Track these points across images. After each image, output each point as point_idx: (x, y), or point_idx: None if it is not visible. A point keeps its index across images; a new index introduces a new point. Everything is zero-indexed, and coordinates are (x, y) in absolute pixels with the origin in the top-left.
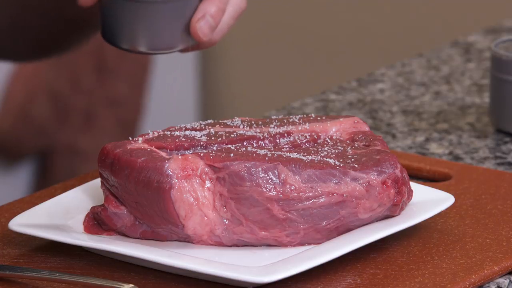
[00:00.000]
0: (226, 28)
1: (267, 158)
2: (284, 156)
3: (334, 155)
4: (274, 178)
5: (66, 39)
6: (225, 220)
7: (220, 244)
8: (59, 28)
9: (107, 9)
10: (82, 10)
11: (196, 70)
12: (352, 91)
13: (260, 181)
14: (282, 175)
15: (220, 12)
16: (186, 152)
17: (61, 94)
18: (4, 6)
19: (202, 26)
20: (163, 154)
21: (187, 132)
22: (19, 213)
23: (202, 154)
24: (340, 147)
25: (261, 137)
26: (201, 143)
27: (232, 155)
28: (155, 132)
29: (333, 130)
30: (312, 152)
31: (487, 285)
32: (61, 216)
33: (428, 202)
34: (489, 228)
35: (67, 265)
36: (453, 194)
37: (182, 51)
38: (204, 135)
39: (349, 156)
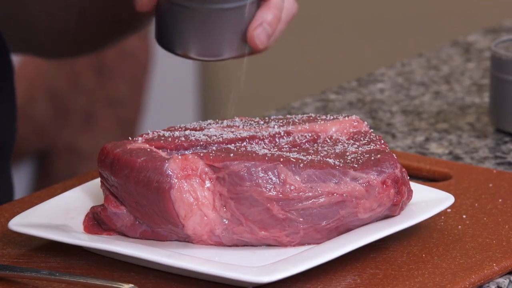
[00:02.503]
0: (279, 33)
1: (267, 158)
2: (284, 156)
3: (334, 155)
4: (274, 178)
5: (108, 39)
6: (225, 220)
7: (220, 244)
8: (104, 29)
9: (164, 14)
10: (136, 13)
11: (196, 70)
12: (352, 91)
13: (260, 181)
14: (282, 175)
15: (276, 20)
16: (186, 152)
17: (61, 94)
18: (44, 4)
19: (259, 34)
20: (163, 154)
21: (187, 132)
22: (19, 213)
23: (202, 154)
24: (340, 147)
25: (261, 137)
26: (201, 143)
27: (232, 155)
28: (155, 132)
29: (333, 130)
30: (312, 152)
31: (487, 285)
32: (61, 216)
33: (428, 202)
34: (489, 228)
35: (67, 265)
36: (453, 194)
37: (236, 57)
38: (204, 135)
39: (349, 156)
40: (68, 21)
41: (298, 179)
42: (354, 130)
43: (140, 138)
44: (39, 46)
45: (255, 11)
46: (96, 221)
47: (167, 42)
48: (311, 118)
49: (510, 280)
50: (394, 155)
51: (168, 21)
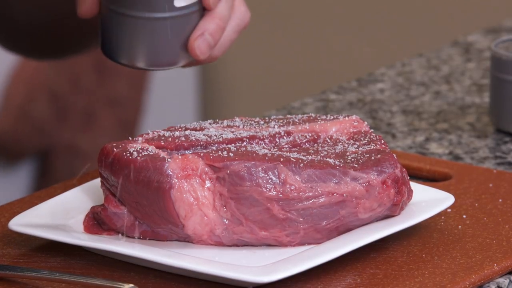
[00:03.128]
0: (228, 43)
1: (267, 158)
2: (284, 156)
3: (334, 155)
4: (274, 178)
5: (79, 41)
6: (225, 220)
7: (220, 244)
8: (71, 29)
9: (106, 23)
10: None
11: (196, 71)
12: (352, 91)
13: (260, 181)
14: (282, 175)
15: (219, 30)
16: (186, 152)
17: (61, 94)
18: (19, 3)
19: (200, 44)
20: (163, 154)
21: (187, 132)
22: (19, 213)
23: (202, 154)
24: (340, 147)
25: (261, 137)
26: (201, 143)
27: (232, 155)
28: (155, 132)
29: (333, 130)
30: (312, 152)
31: (487, 285)
32: (61, 216)
33: (428, 202)
34: (489, 228)
35: (67, 265)
36: (453, 194)
37: (182, 67)
38: (204, 135)
39: (349, 156)
40: (44, 19)
41: (298, 179)
42: (354, 130)
43: (140, 138)
44: (22, 45)
45: (198, 21)
46: (96, 221)
47: (110, 51)
48: (311, 118)
49: (510, 280)
50: (394, 155)
51: (110, 29)
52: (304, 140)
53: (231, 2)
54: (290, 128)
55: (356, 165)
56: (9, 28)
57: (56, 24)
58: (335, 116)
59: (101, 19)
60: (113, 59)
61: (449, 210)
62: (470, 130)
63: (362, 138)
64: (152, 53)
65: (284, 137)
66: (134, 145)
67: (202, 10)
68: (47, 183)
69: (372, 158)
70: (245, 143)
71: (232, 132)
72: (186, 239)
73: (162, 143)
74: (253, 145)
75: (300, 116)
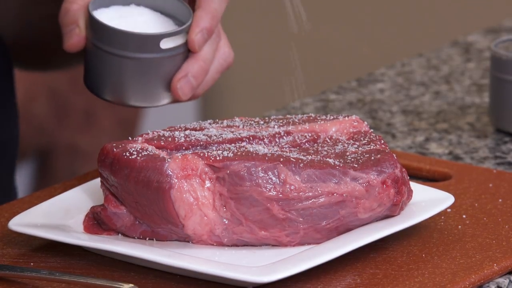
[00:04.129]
0: (211, 82)
1: (267, 158)
2: (284, 156)
3: (334, 155)
4: (274, 178)
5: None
6: (225, 220)
7: (220, 244)
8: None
9: (91, 58)
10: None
11: None
12: (352, 91)
13: (260, 181)
14: (282, 175)
15: (203, 72)
16: (186, 152)
17: (61, 94)
18: (10, 19)
19: (183, 86)
20: (163, 154)
21: (187, 132)
22: (19, 213)
23: (202, 154)
24: (340, 147)
25: (261, 137)
26: (201, 143)
27: (232, 155)
28: (155, 132)
29: (333, 130)
30: (312, 152)
31: (487, 285)
32: (61, 216)
33: (428, 202)
34: (489, 228)
35: (67, 265)
36: (453, 194)
37: (161, 105)
38: (204, 135)
39: (349, 156)
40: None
41: (298, 179)
42: (354, 130)
43: (140, 138)
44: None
45: (183, 62)
46: (96, 221)
47: (93, 86)
48: (311, 118)
49: (510, 280)
50: (394, 155)
51: (93, 65)
52: (304, 140)
53: (215, 45)
54: (290, 128)
55: (356, 165)
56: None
57: (43, 42)
58: (335, 116)
59: (86, 53)
60: (96, 94)
61: (449, 210)
62: (470, 130)
63: (362, 138)
64: (136, 91)
65: (284, 137)
66: (134, 145)
67: (187, 52)
68: (47, 183)
69: (372, 158)
70: (245, 143)
71: (232, 132)
72: (186, 239)
73: (162, 143)
74: (253, 145)
75: (300, 116)
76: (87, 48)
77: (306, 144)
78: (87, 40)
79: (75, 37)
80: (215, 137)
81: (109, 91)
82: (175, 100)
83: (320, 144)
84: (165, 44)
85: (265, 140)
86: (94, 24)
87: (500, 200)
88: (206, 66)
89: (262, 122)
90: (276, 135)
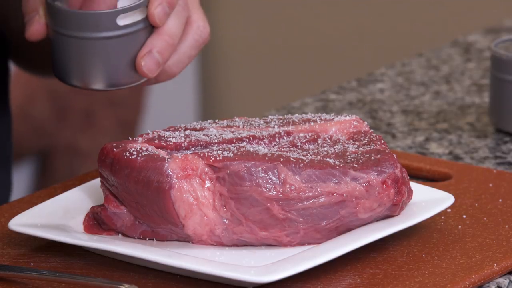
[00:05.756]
0: (187, 60)
1: (267, 158)
2: (284, 156)
3: (334, 155)
4: (274, 178)
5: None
6: (225, 220)
7: (220, 244)
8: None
9: (54, 45)
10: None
11: (196, 70)
12: (352, 91)
13: (260, 181)
14: (282, 175)
15: (169, 47)
16: (186, 152)
17: (61, 94)
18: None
19: (147, 62)
20: (163, 154)
21: (187, 132)
22: (19, 213)
23: (202, 154)
24: (340, 147)
25: (261, 137)
26: (201, 143)
27: (232, 155)
28: (155, 132)
29: (333, 130)
30: (312, 152)
31: (487, 285)
32: (61, 216)
33: (428, 202)
34: (489, 228)
35: (67, 265)
36: (453, 194)
37: (142, 85)
38: (204, 135)
39: (349, 156)
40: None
41: (298, 179)
42: (354, 130)
43: (140, 138)
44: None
45: (146, 39)
46: (96, 221)
47: (60, 73)
48: (311, 118)
49: (510, 280)
50: (394, 155)
51: (58, 52)
52: (304, 140)
53: (183, 19)
54: (290, 128)
55: (356, 165)
56: None
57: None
58: (335, 116)
59: (51, 42)
60: (64, 81)
61: (449, 210)
62: (470, 130)
63: (362, 138)
64: (102, 73)
65: (284, 137)
66: (134, 145)
67: (151, 27)
68: (47, 183)
69: (372, 158)
70: (245, 143)
71: (232, 132)
72: (186, 239)
73: (162, 143)
74: (253, 145)
75: (300, 116)
76: (50, 36)
77: (306, 144)
78: (49, 28)
79: (36, 24)
80: (215, 137)
81: (75, 77)
82: (145, 79)
83: (320, 144)
84: (123, 20)
85: (265, 140)
86: (50, 9)
87: (500, 200)
88: (172, 40)
89: (262, 122)
90: (276, 135)
